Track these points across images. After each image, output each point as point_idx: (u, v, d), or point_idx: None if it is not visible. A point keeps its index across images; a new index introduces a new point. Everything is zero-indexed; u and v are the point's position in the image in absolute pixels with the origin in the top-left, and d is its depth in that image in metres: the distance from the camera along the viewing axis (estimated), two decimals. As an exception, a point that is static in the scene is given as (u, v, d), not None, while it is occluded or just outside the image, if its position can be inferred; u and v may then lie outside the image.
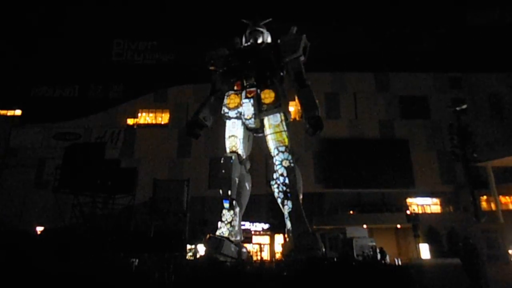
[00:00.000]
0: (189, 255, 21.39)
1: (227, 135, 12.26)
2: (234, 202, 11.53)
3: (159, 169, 34.54)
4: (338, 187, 34.40)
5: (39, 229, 25.04)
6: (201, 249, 20.70)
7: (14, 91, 39.29)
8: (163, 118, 39.57)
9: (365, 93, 39.18)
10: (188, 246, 22.85)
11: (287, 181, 10.92)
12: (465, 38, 40.29)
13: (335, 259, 10.06)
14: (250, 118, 11.74)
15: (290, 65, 12.27)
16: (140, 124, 39.36)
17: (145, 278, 7.62)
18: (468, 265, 9.77)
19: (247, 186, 12.54)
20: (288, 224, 10.91)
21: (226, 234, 11.04)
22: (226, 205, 11.40)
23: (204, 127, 12.95)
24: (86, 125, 38.22)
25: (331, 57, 36.58)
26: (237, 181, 11.82)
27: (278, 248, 29.59)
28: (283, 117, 11.83)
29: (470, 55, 38.54)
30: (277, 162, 11.20)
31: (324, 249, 11.14)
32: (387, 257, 21.58)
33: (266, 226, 30.88)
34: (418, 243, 28.50)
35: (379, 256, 19.85)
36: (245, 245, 15.15)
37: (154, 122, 39.68)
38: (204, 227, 25.25)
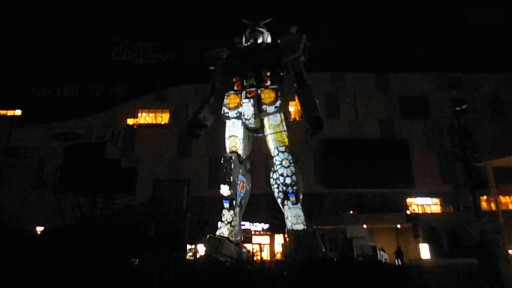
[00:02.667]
0: (189, 255, 21.44)
1: (227, 135, 12.24)
2: (234, 202, 11.52)
3: (159, 169, 34.58)
4: (338, 187, 34.41)
5: (39, 229, 25.04)
6: (201, 249, 20.69)
7: (14, 91, 39.31)
8: (163, 118, 39.58)
9: (365, 93, 39.19)
10: (188, 246, 22.89)
11: (287, 181, 10.91)
12: (465, 38, 40.31)
13: (335, 259, 10.04)
14: (250, 118, 11.73)
15: (290, 65, 12.24)
16: (140, 124, 39.36)
17: (145, 278, 7.62)
18: (485, 265, 9.31)
19: (247, 186, 12.53)
20: (288, 224, 10.91)
21: (226, 234, 11.02)
22: (226, 205, 11.38)
23: (204, 127, 12.92)
24: (86, 125, 38.23)
25: (331, 57, 36.60)
26: (237, 181, 11.81)
27: (278, 248, 29.59)
28: (283, 117, 11.81)
29: (470, 55, 38.56)
30: (277, 162, 11.18)
31: (324, 249, 11.13)
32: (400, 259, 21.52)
33: (266, 226, 30.90)
34: (418, 243, 28.55)
35: (385, 257, 19.84)
36: (245, 245, 15.13)
37: (154, 122, 39.69)
38: (204, 227, 25.26)
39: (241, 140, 12.04)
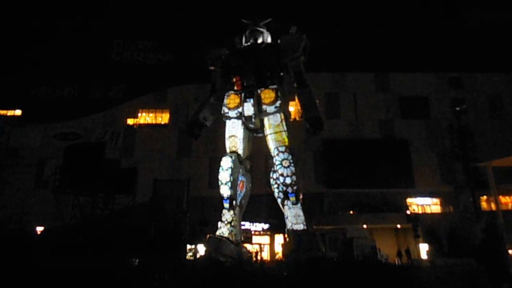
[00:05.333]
0: (189, 255, 21.45)
1: (227, 135, 12.25)
2: (234, 202, 11.52)
3: (159, 169, 34.57)
4: (338, 187, 34.40)
5: (39, 229, 25.05)
6: (201, 249, 20.71)
7: (14, 91, 39.30)
8: (163, 118, 39.58)
9: (365, 93, 39.19)
10: (188, 246, 22.90)
11: (287, 181, 10.90)
12: (465, 38, 40.30)
13: (335, 259, 10.04)
14: (250, 118, 11.75)
15: (290, 65, 12.25)
16: (140, 124, 39.36)
17: (145, 278, 7.62)
18: (491, 265, 8.92)
19: (247, 186, 12.54)
20: (288, 224, 10.91)
21: (226, 234, 11.02)
22: (226, 205, 11.39)
23: (204, 127, 12.93)
24: (86, 125, 38.22)
25: (331, 57, 36.59)
26: (237, 181, 11.82)
27: (278, 248, 29.58)
28: (283, 117, 11.81)
29: (470, 55, 38.55)
30: (277, 162, 11.17)
31: (324, 249, 11.13)
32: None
33: (266, 226, 30.88)
34: (418, 243, 28.54)
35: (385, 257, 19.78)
36: (245, 245, 15.14)
37: (154, 122, 39.68)
38: (204, 227, 25.27)
39: (241, 140, 12.05)
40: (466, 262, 15.65)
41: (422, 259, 26.70)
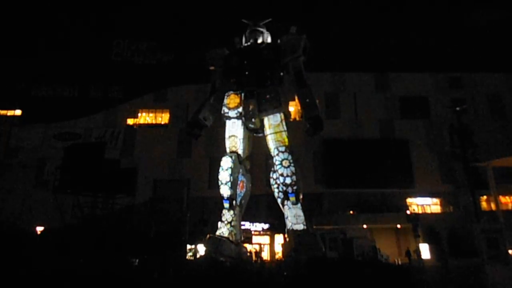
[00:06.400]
0: (189, 255, 21.44)
1: (227, 135, 12.25)
2: (234, 202, 11.53)
3: (159, 169, 34.59)
4: (338, 187, 34.39)
5: (39, 229, 25.03)
6: (201, 249, 20.71)
7: (14, 91, 39.30)
8: (163, 118, 39.58)
9: (365, 93, 39.18)
10: (188, 246, 22.89)
11: (287, 181, 10.90)
12: (465, 38, 40.32)
13: (335, 259, 10.04)
14: (250, 118, 11.75)
15: (290, 65, 12.26)
16: (140, 124, 39.36)
17: (145, 278, 7.62)
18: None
19: (247, 186, 12.55)
20: (288, 224, 10.91)
21: (226, 234, 11.03)
22: (226, 205, 11.39)
23: (204, 127, 12.92)
24: (86, 125, 38.22)
25: (331, 57, 36.60)
26: (237, 181, 11.83)
27: (278, 248, 29.59)
28: (283, 117, 11.82)
29: (470, 55, 38.55)
30: (277, 162, 11.18)
31: (324, 249, 11.14)
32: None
33: (266, 226, 30.89)
34: (418, 243, 28.52)
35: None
36: (245, 245, 15.14)
37: (154, 122, 39.69)
38: (204, 227, 25.27)
39: (241, 140, 12.05)
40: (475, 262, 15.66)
41: (426, 259, 26.68)
